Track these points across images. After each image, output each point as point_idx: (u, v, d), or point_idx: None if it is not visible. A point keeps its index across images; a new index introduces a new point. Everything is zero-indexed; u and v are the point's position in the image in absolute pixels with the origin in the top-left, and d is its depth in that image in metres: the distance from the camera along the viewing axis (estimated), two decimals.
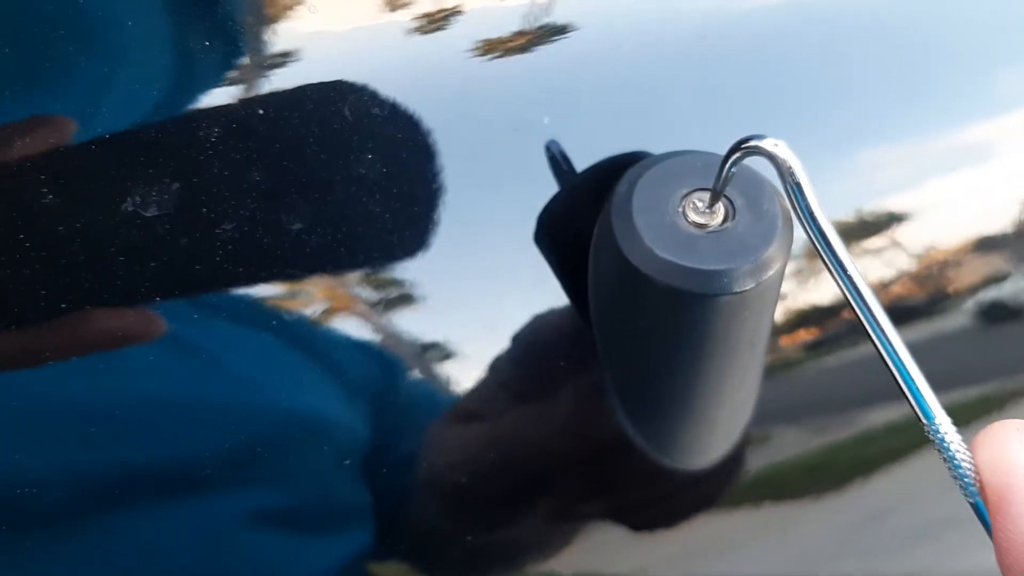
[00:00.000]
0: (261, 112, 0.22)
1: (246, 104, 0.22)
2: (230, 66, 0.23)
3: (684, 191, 0.21)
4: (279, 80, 0.23)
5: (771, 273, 0.20)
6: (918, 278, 0.30)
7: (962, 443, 0.18)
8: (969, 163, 0.31)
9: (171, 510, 0.22)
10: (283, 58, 0.24)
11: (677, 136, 0.26)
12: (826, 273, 0.28)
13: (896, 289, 0.30)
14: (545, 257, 0.23)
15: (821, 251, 0.18)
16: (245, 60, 0.24)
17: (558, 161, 0.24)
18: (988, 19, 0.32)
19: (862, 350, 0.29)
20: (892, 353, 0.18)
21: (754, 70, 0.28)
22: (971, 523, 0.34)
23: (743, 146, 0.19)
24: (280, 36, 0.24)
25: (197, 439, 0.22)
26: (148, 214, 0.21)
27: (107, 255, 0.21)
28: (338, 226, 0.22)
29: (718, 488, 0.28)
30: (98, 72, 0.22)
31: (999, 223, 0.31)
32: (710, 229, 0.21)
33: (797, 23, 0.29)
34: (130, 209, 0.21)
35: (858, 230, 0.29)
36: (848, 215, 0.29)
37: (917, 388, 0.18)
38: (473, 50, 0.25)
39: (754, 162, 0.20)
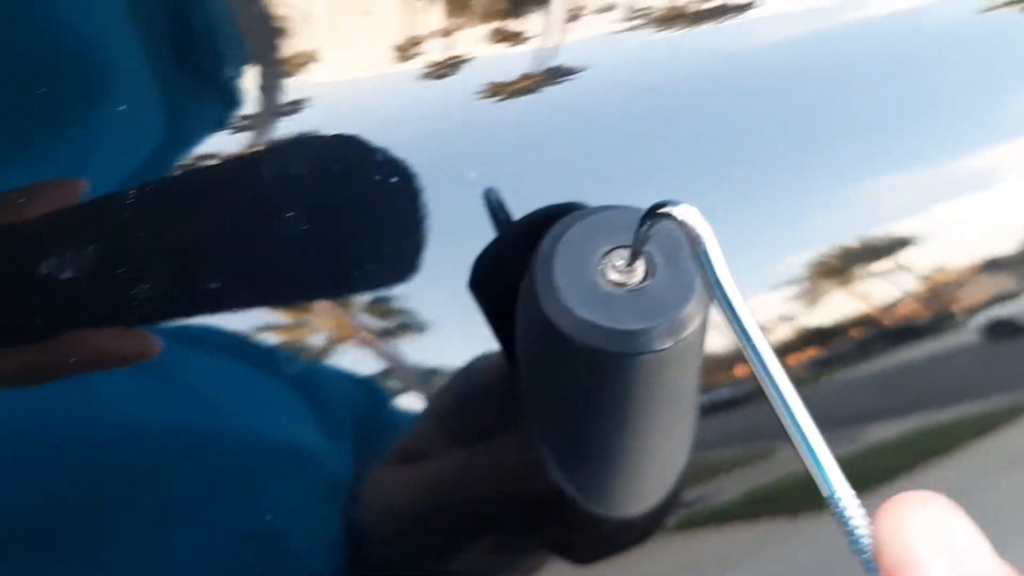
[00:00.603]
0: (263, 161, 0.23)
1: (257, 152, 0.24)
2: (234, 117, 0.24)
3: (606, 248, 0.21)
4: (290, 127, 0.24)
5: (689, 331, 0.21)
6: (922, 299, 0.31)
7: (863, 515, 0.17)
8: (971, 188, 0.31)
9: (127, 539, 0.23)
10: (293, 107, 0.25)
11: (679, 170, 0.27)
12: (825, 296, 0.29)
13: (901, 310, 0.31)
14: (478, 305, 0.24)
15: (729, 319, 0.18)
16: (254, 109, 0.25)
17: (495, 209, 0.24)
18: (988, 47, 0.33)
19: (859, 370, 0.30)
20: (795, 423, 0.18)
21: (767, 104, 0.29)
22: None
23: (656, 212, 0.19)
24: (290, 86, 0.25)
25: (142, 469, 0.22)
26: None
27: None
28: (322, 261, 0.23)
29: (651, 528, 0.28)
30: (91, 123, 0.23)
31: (1001, 245, 0.32)
32: (630, 287, 0.21)
33: (804, 58, 0.30)
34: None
35: (864, 254, 0.30)
36: (854, 240, 0.30)
37: (819, 459, 0.18)
38: (478, 93, 0.26)
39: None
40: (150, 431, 0.22)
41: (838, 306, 0.30)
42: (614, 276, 0.21)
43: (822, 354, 0.30)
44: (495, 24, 0.27)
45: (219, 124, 0.24)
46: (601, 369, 0.21)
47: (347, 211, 0.24)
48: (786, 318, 0.29)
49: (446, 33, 0.27)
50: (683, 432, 0.25)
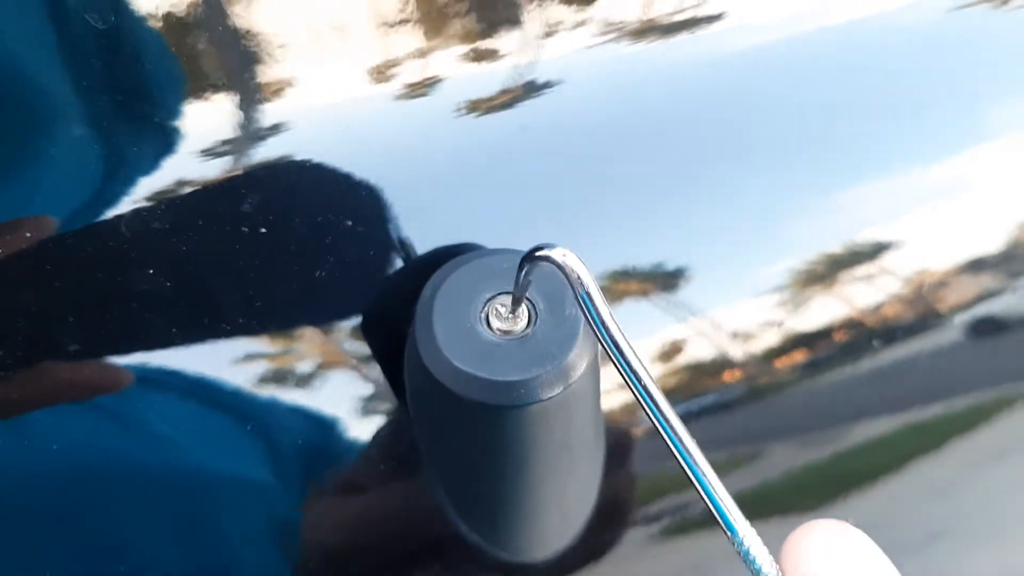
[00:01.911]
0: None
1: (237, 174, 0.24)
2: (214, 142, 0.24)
3: (487, 295, 0.21)
4: (270, 151, 0.24)
5: (576, 377, 0.20)
6: (906, 300, 0.31)
7: (766, 554, 0.17)
8: (949, 192, 0.32)
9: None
10: (270, 131, 0.25)
11: (660, 181, 0.27)
12: (811, 302, 0.29)
13: (885, 310, 0.31)
14: (371, 351, 0.23)
15: (613, 358, 0.18)
16: (234, 134, 0.25)
17: (399, 248, 0.24)
18: (963, 49, 0.33)
19: (844, 371, 0.30)
20: (693, 466, 0.18)
21: (744, 113, 0.29)
22: (955, 537, 0.36)
23: (534, 255, 0.19)
24: (267, 111, 0.25)
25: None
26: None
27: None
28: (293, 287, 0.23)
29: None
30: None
31: (980, 247, 0.32)
32: (512, 336, 0.20)
33: (779, 66, 0.30)
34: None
35: (848, 259, 0.30)
36: (837, 246, 0.30)
37: (718, 500, 0.18)
38: (456, 111, 0.26)
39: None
40: (99, 465, 0.22)
41: (823, 310, 0.30)
42: (497, 324, 0.21)
43: (809, 357, 0.30)
44: (471, 44, 0.27)
45: (164, 156, 0.24)
46: (487, 421, 0.21)
47: (316, 236, 0.24)
48: (773, 323, 0.29)
49: (422, 54, 0.27)
50: (585, 475, 0.25)
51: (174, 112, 0.24)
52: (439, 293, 0.21)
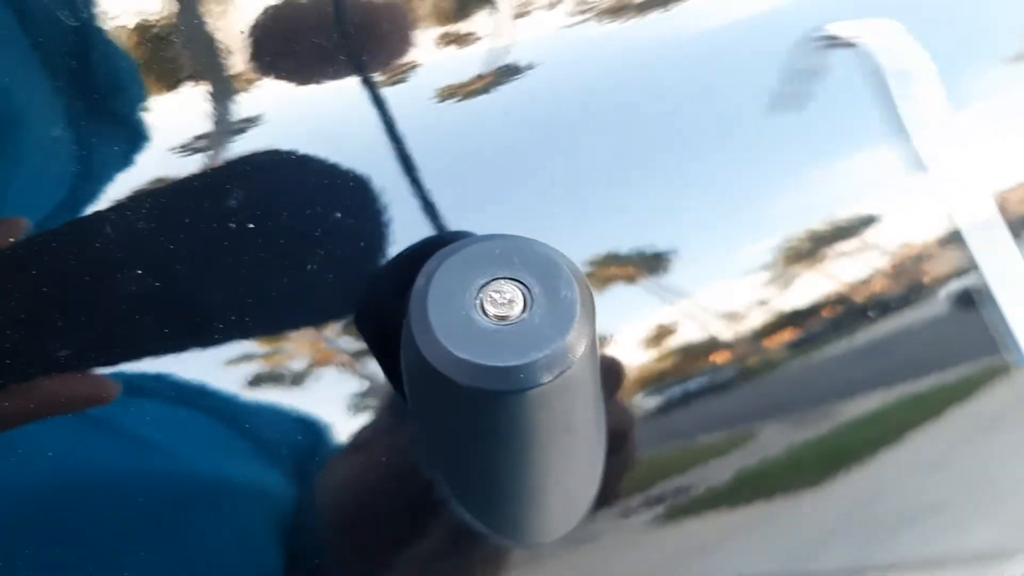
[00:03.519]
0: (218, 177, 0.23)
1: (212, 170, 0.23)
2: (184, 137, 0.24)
3: (481, 282, 0.21)
4: (244, 144, 0.24)
5: (574, 361, 0.20)
6: (891, 275, 0.31)
7: None
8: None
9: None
10: (244, 124, 0.24)
11: (642, 161, 0.27)
12: (799, 279, 0.30)
13: (870, 286, 0.31)
14: (367, 343, 0.23)
15: None
16: (208, 127, 0.24)
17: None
18: (944, 24, 0.33)
19: (837, 346, 0.30)
20: None
21: (722, 90, 0.29)
22: (952, 508, 0.36)
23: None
24: (240, 103, 0.25)
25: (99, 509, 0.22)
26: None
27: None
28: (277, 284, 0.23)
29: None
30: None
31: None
32: (509, 321, 0.20)
33: (756, 40, 0.30)
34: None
35: (833, 234, 0.30)
36: (821, 222, 0.30)
37: None
38: (431, 98, 0.26)
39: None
40: (89, 473, 0.22)
41: (811, 287, 0.30)
42: (492, 310, 0.21)
43: (799, 335, 0.30)
44: (444, 28, 0.27)
45: (140, 153, 0.24)
46: (485, 408, 0.21)
47: (296, 229, 0.23)
48: (761, 303, 0.29)
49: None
50: (586, 459, 0.25)
51: (149, 108, 0.24)
52: (433, 282, 0.21)
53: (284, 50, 0.25)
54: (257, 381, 0.23)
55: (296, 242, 0.23)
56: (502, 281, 0.21)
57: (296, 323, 0.23)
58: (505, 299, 0.21)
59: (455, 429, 0.22)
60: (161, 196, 0.23)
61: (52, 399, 0.21)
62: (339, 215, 0.23)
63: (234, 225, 0.23)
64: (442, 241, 0.22)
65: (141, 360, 0.22)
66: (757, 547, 0.31)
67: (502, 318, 0.21)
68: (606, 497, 0.26)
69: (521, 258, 0.21)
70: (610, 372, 0.27)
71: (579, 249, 0.22)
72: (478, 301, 0.21)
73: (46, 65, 0.24)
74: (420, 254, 0.22)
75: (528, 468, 0.22)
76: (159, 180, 0.23)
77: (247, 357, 0.23)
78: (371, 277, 0.23)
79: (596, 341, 0.22)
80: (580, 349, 0.20)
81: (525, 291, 0.21)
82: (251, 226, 0.23)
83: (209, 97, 0.25)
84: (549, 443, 0.22)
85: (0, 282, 0.22)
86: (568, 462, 0.23)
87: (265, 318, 0.23)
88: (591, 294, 0.21)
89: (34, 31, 0.24)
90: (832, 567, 0.33)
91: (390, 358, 0.23)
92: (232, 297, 0.23)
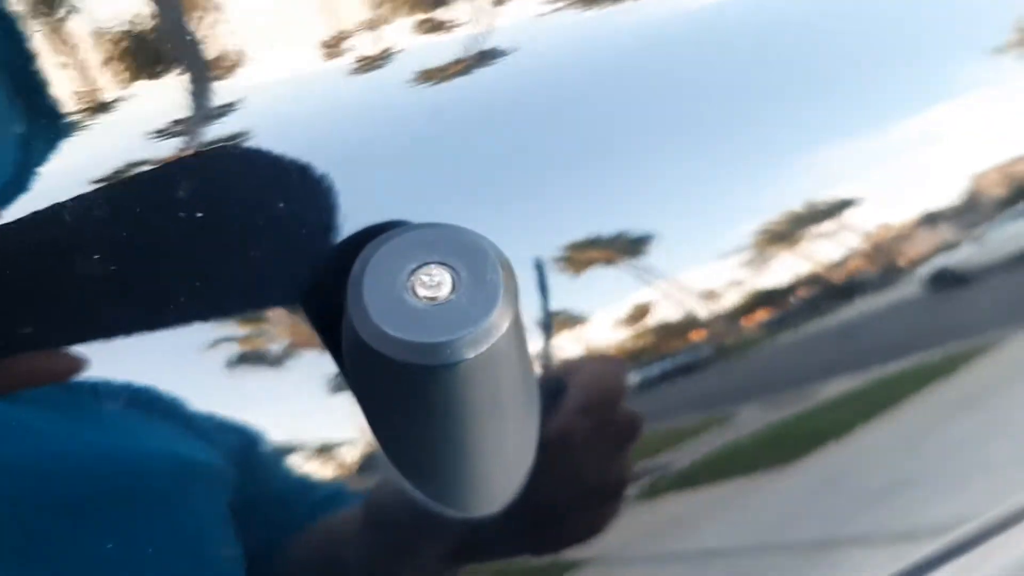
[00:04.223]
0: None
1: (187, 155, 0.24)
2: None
3: (413, 266, 0.23)
4: (222, 130, 0.24)
5: (496, 339, 0.22)
6: (867, 256, 0.32)
7: None
8: (907, 148, 0.32)
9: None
10: (226, 109, 0.25)
11: (622, 145, 0.28)
12: (776, 258, 0.30)
13: (848, 266, 0.32)
14: (312, 327, 0.25)
15: None
16: (187, 113, 0.25)
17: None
18: (923, 9, 0.33)
19: (809, 328, 0.31)
20: None
21: (702, 73, 0.29)
22: (918, 485, 0.36)
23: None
24: (221, 88, 0.25)
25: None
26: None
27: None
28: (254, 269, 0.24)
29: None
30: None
31: (938, 199, 0.33)
32: (438, 302, 0.22)
33: (736, 24, 0.30)
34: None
35: (809, 216, 0.31)
36: (799, 204, 0.31)
37: None
38: (410, 83, 0.26)
39: (478, 230, 0.23)
40: (59, 454, 0.23)
41: (787, 268, 0.31)
42: (423, 292, 0.22)
43: (774, 315, 0.31)
44: (422, 15, 0.28)
45: (109, 140, 0.24)
46: (417, 382, 0.22)
47: (270, 216, 0.24)
48: (736, 283, 0.30)
49: (372, 27, 0.27)
50: (520, 432, 0.26)
51: (119, 94, 0.24)
52: (368, 266, 0.22)
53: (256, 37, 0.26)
54: (230, 363, 0.24)
55: (250, 232, 0.24)
56: (432, 265, 0.22)
57: (257, 306, 0.24)
58: (434, 282, 0.22)
59: (391, 404, 0.24)
60: (131, 182, 0.24)
61: (11, 374, 0.22)
62: (305, 201, 0.24)
63: (185, 214, 0.23)
64: (381, 229, 0.24)
65: (103, 343, 0.23)
66: (731, 521, 0.32)
67: (431, 299, 0.22)
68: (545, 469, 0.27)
69: (450, 244, 0.23)
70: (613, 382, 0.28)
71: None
72: (410, 284, 0.22)
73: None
74: (362, 242, 0.24)
75: (460, 440, 0.24)
76: (130, 165, 0.24)
77: (218, 340, 0.24)
78: (316, 264, 0.25)
79: (520, 321, 0.23)
80: (503, 327, 0.22)
81: (454, 274, 0.22)
82: (199, 215, 0.23)
83: (182, 85, 0.25)
84: (478, 416, 0.24)
85: None
86: (498, 434, 0.25)
87: (225, 302, 0.24)
88: (515, 279, 0.23)
89: None
90: (805, 539, 0.34)
91: (334, 340, 0.24)
92: (199, 281, 0.24)
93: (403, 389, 0.23)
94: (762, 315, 0.30)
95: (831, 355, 0.32)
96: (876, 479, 0.35)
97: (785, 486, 0.32)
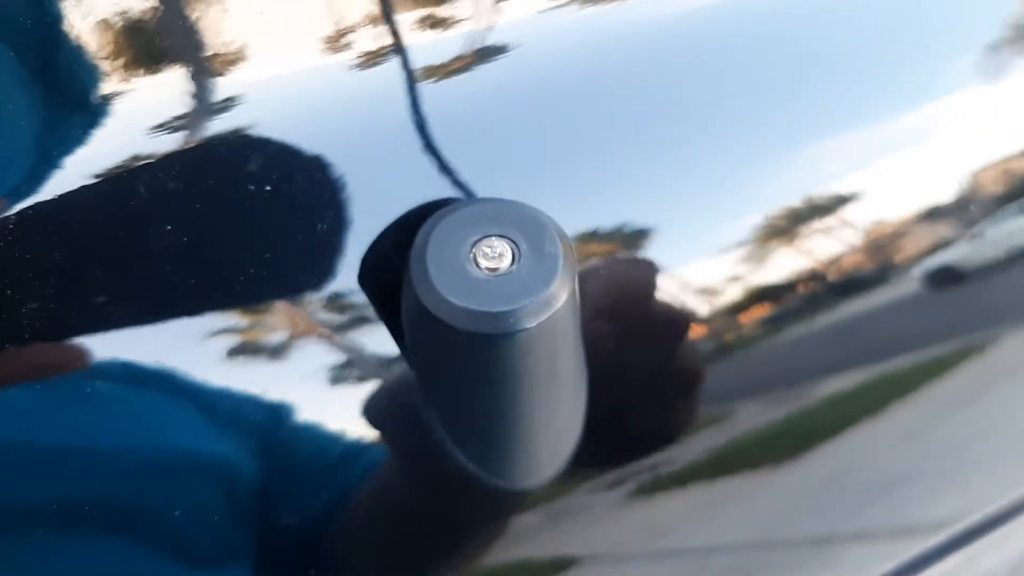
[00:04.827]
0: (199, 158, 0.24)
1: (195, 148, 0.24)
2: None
3: (474, 238, 0.23)
4: (224, 124, 0.25)
5: (555, 309, 0.23)
6: (866, 252, 0.32)
7: None
8: (904, 144, 0.32)
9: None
10: (228, 103, 0.25)
11: (623, 141, 0.28)
12: (774, 255, 0.30)
13: (846, 263, 0.32)
14: (369, 300, 0.25)
15: None
16: (191, 107, 0.25)
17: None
18: (920, 5, 0.33)
19: (808, 326, 0.31)
20: None
21: (702, 71, 0.29)
22: (917, 481, 0.37)
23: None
24: (223, 83, 0.26)
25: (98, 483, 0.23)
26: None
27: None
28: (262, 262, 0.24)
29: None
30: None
31: (935, 197, 0.33)
32: (499, 273, 0.23)
33: (735, 21, 0.31)
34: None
35: (807, 213, 0.31)
36: (799, 200, 0.31)
37: None
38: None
39: (538, 205, 0.24)
40: (72, 446, 0.23)
41: (786, 265, 0.31)
42: (485, 263, 0.23)
43: (773, 312, 0.31)
44: (424, 11, 0.28)
45: (87, 135, 0.24)
46: (477, 350, 0.23)
47: (276, 210, 0.24)
48: (736, 279, 0.30)
49: (375, 23, 0.27)
50: (571, 404, 0.27)
51: (121, 88, 0.25)
52: (431, 237, 0.23)
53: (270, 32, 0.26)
54: (238, 353, 0.24)
55: (271, 221, 0.24)
56: (493, 238, 0.23)
57: (273, 297, 0.25)
58: (496, 253, 0.23)
59: (451, 373, 0.25)
60: (142, 174, 0.24)
61: (20, 365, 0.22)
62: (311, 194, 0.25)
63: (232, 195, 0.24)
64: (438, 206, 0.24)
65: (120, 332, 0.23)
66: (731, 518, 0.32)
67: (493, 270, 0.23)
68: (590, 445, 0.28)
69: (509, 217, 0.23)
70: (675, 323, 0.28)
71: (560, 226, 0.23)
72: (472, 255, 0.23)
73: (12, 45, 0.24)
74: (417, 219, 0.24)
75: (517, 409, 0.25)
76: (135, 158, 0.24)
77: (228, 331, 0.24)
78: (372, 240, 0.25)
79: (577, 295, 0.24)
80: (562, 298, 0.23)
81: (514, 247, 0.23)
82: (248, 196, 0.23)
83: (191, 77, 0.25)
84: (535, 386, 0.24)
85: None
86: (553, 406, 0.26)
87: (242, 293, 0.24)
88: (573, 251, 0.24)
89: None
90: (805, 535, 0.34)
91: (391, 313, 0.25)
92: (214, 272, 0.24)
93: (463, 358, 0.23)
94: (760, 311, 0.30)
95: (829, 352, 0.32)
96: (875, 475, 0.35)
97: (784, 483, 0.32)
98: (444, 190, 0.26)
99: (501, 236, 0.23)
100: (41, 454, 0.22)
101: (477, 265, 0.23)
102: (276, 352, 0.24)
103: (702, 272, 0.29)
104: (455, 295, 0.22)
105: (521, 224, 0.23)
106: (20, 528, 0.22)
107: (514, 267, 0.23)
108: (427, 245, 0.23)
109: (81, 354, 0.23)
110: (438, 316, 0.22)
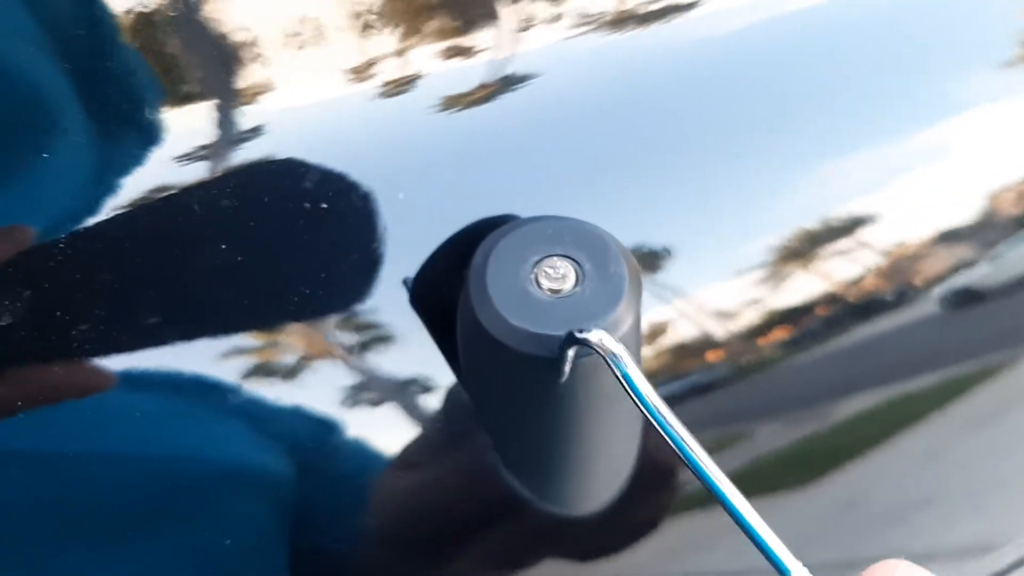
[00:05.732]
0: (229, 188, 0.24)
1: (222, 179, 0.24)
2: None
3: (536, 258, 0.22)
4: (248, 155, 0.25)
5: (622, 332, 0.21)
6: (884, 274, 0.32)
7: None
8: (922, 164, 0.32)
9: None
10: (251, 134, 0.25)
11: (641, 167, 0.28)
12: (793, 277, 0.30)
13: (865, 284, 0.32)
14: (421, 321, 0.24)
15: (657, 425, 0.20)
16: (214, 138, 0.25)
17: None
18: (938, 26, 0.33)
19: (827, 347, 0.31)
20: (739, 514, 0.20)
21: (721, 97, 0.29)
22: (937, 504, 0.36)
23: (574, 339, 0.21)
24: (247, 113, 0.25)
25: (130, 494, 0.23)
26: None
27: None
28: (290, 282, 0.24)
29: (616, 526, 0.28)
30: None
31: (955, 217, 0.33)
32: (562, 294, 0.22)
33: (753, 48, 0.31)
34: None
35: (826, 234, 0.31)
36: (818, 222, 0.30)
37: (767, 543, 0.20)
38: (433, 107, 0.27)
39: (601, 223, 0.22)
40: (103, 458, 0.23)
41: (804, 287, 0.30)
42: (546, 284, 0.22)
43: (791, 333, 0.30)
44: (448, 41, 0.28)
45: (142, 161, 0.24)
46: (536, 374, 0.22)
47: (300, 236, 0.24)
48: (754, 302, 0.30)
49: (399, 53, 0.27)
50: (628, 431, 0.26)
51: (155, 117, 0.25)
52: (491, 256, 0.22)
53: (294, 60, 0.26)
54: (264, 374, 0.24)
55: (295, 248, 0.24)
56: (555, 258, 0.22)
57: (295, 320, 0.24)
58: (559, 274, 0.22)
59: (508, 397, 0.24)
60: (174, 201, 0.24)
61: (48, 387, 0.22)
62: (335, 221, 0.24)
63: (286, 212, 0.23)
64: (492, 224, 0.23)
65: (149, 352, 0.23)
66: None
67: (555, 291, 0.22)
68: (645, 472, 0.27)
69: (572, 237, 0.22)
70: None
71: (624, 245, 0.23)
72: (533, 275, 0.22)
73: (51, 71, 0.24)
74: (468, 238, 0.23)
75: (573, 435, 0.24)
76: (162, 188, 0.24)
77: (247, 350, 0.24)
78: (425, 260, 0.25)
79: (639, 317, 0.23)
80: (628, 321, 0.22)
81: (577, 267, 0.22)
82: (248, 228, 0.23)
83: (213, 107, 0.25)
84: (597, 412, 0.23)
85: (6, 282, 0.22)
86: (610, 433, 0.25)
87: (269, 316, 0.24)
88: (639, 272, 0.22)
89: (42, 38, 0.24)
90: (823, 561, 0.34)
91: (444, 333, 0.24)
92: (237, 297, 0.24)
93: (524, 382, 0.22)
94: (779, 333, 0.30)
95: (849, 373, 0.32)
96: (894, 499, 0.34)
97: (802, 506, 0.32)
98: (475, 213, 0.25)
99: (563, 256, 0.22)
100: (87, 466, 0.22)
101: (539, 286, 0.22)
102: (314, 371, 0.24)
103: (721, 293, 0.29)
104: (516, 316, 0.21)
105: (584, 243, 0.22)
106: (61, 539, 0.22)
107: (578, 288, 0.22)
108: (487, 263, 0.22)
109: (120, 373, 0.22)
110: (498, 338, 0.21)
